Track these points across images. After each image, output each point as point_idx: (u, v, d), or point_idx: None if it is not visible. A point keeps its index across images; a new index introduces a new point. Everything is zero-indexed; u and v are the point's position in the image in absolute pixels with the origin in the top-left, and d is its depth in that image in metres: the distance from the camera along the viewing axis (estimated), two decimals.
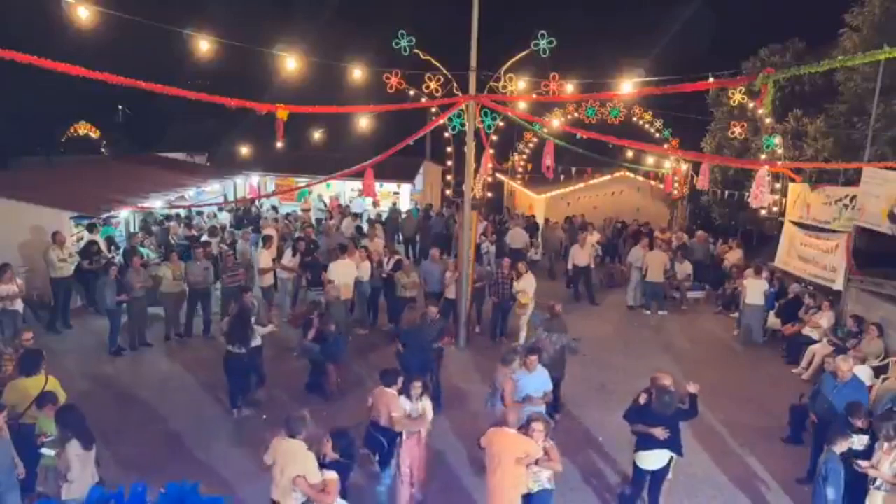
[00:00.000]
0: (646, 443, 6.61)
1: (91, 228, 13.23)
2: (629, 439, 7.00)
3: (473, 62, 10.84)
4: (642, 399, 6.76)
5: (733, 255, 15.84)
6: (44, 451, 5.72)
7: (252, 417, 8.80)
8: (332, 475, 5.37)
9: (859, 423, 6.66)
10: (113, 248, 13.68)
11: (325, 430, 6.04)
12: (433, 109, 12.58)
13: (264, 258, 12.45)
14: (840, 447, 6.01)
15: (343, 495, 5.63)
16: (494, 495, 5.84)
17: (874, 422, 6.56)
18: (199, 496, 4.51)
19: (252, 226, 17.58)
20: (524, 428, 5.95)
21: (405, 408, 6.67)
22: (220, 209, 18.59)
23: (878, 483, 6.15)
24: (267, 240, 13.12)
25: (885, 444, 6.15)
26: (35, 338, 8.34)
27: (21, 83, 24.37)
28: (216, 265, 12.94)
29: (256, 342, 9.06)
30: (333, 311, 10.15)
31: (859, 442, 6.60)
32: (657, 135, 22.09)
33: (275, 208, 19.69)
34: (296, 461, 5.33)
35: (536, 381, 7.44)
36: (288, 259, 12.79)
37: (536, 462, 5.85)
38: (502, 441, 5.86)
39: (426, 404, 6.77)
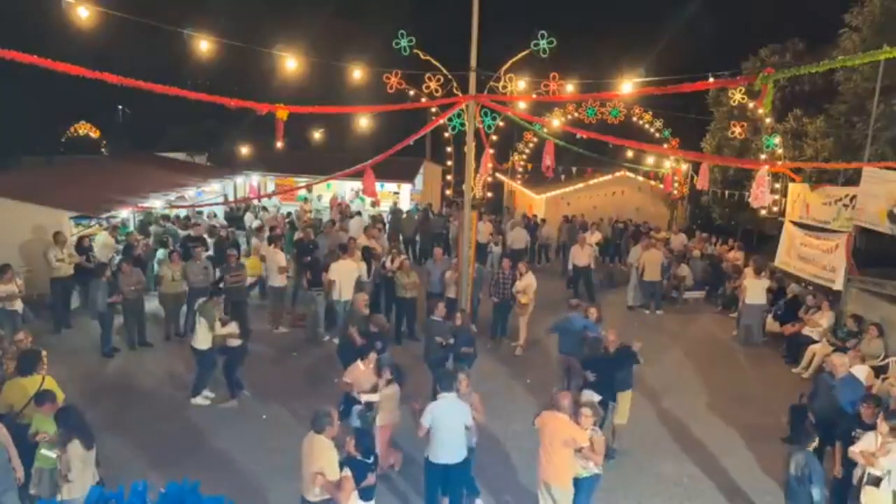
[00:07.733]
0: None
1: (111, 230, 13.15)
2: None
3: (473, 62, 10.82)
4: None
5: (733, 256, 15.89)
6: (44, 451, 5.71)
7: (252, 416, 8.80)
8: (346, 473, 5.34)
9: (869, 417, 6.64)
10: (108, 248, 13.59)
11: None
12: (433, 109, 12.56)
13: (280, 257, 12.23)
14: (811, 445, 6.09)
15: (367, 496, 5.56)
16: (545, 473, 6.16)
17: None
18: (200, 496, 4.49)
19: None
20: (574, 413, 6.21)
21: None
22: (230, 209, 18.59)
23: (868, 479, 6.17)
24: (275, 239, 12.80)
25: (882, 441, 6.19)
26: (34, 338, 8.32)
27: (21, 83, 24.37)
28: (215, 265, 12.86)
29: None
30: (353, 316, 9.82)
31: (867, 441, 6.58)
32: (657, 135, 22.09)
33: (275, 207, 19.67)
34: (320, 457, 5.37)
35: (452, 412, 6.31)
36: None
37: (580, 450, 6.08)
38: (552, 424, 6.16)
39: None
